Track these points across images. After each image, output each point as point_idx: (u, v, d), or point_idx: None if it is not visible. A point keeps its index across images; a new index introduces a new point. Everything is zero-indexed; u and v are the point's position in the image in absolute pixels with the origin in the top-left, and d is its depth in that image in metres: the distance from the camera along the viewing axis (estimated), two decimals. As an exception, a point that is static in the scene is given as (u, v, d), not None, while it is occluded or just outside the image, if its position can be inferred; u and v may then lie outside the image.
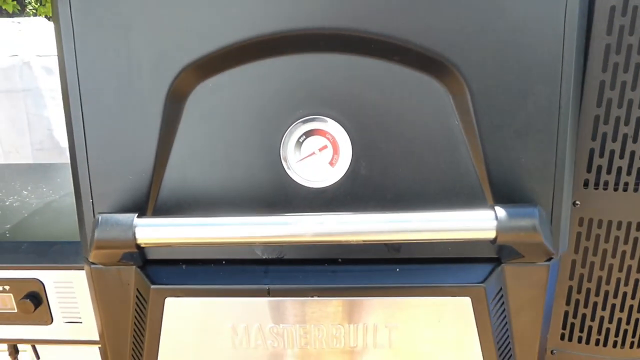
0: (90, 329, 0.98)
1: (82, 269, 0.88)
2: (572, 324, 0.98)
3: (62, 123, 0.77)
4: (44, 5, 7.71)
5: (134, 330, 0.86)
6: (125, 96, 0.78)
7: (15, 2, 7.04)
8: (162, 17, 0.76)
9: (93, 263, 0.83)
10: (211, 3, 0.75)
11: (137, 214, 0.77)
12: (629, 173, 0.87)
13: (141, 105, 0.78)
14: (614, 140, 0.86)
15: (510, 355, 0.86)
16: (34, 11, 8.31)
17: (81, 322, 0.99)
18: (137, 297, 0.84)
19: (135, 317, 0.85)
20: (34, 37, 3.44)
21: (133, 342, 0.86)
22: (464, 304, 0.82)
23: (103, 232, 0.77)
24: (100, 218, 0.78)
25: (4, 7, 6.88)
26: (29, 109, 3.17)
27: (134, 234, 0.76)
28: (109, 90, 0.78)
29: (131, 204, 0.81)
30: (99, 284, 0.84)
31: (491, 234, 0.74)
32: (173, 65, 0.77)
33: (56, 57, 0.81)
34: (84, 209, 0.82)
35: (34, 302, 0.97)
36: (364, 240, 0.74)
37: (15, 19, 3.74)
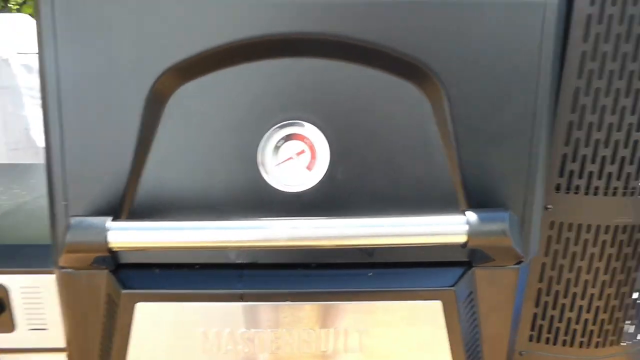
0: (56, 336, 0.95)
1: (50, 273, 0.86)
2: (541, 326, 1.00)
3: (39, 122, 0.75)
4: (27, 4, 7.47)
5: (103, 336, 0.84)
6: (105, 97, 0.77)
7: (1, 2, 6.81)
8: (144, 20, 0.75)
9: (63, 267, 0.81)
10: (193, 7, 0.74)
11: (110, 218, 0.76)
12: (599, 177, 0.89)
13: (121, 106, 0.77)
14: (587, 145, 0.88)
15: (479, 358, 0.87)
16: (18, 7, 8.05)
17: (47, 329, 0.96)
18: (107, 302, 0.82)
19: (105, 322, 0.83)
20: (14, 34, 3.32)
21: (101, 349, 0.85)
22: (435, 307, 0.83)
23: (75, 235, 0.75)
24: (72, 221, 0.76)
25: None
26: (6, 108, 3.07)
27: (106, 237, 0.75)
28: (89, 90, 0.77)
29: (106, 207, 0.80)
30: (69, 289, 0.82)
31: (462, 239, 0.75)
32: (154, 67, 0.75)
33: (36, 55, 0.79)
34: (56, 211, 0.80)
35: (-4, 308, 0.93)
36: (337, 245, 0.75)
37: (-4, 15, 3.62)
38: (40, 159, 0.77)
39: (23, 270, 0.92)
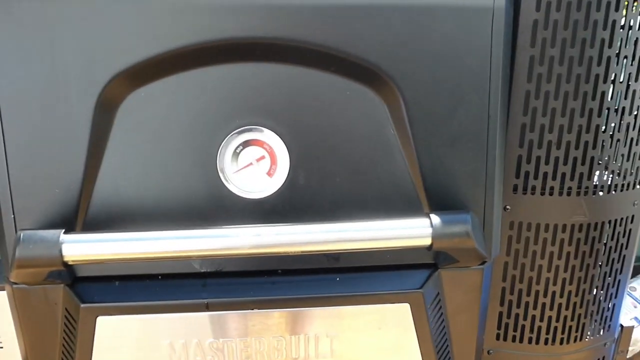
0: (12, 353, 0.91)
1: (2, 289, 0.82)
2: (507, 324, 1.02)
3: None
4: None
5: (63, 352, 0.81)
6: (50, 105, 0.74)
7: None
8: (90, 23, 0.73)
9: (15, 283, 0.78)
10: (142, 9, 0.73)
11: (64, 230, 0.73)
12: (554, 178, 0.92)
13: (68, 114, 0.74)
14: (540, 147, 0.90)
15: (449, 358, 0.88)
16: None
17: (2, 347, 0.92)
18: (65, 317, 0.79)
19: (64, 338, 0.80)
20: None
21: (60, 366, 0.81)
22: (403, 310, 0.83)
23: (25, 250, 0.72)
24: (22, 235, 0.73)
25: None
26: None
27: (60, 250, 0.72)
28: (32, 98, 0.74)
29: (58, 219, 0.77)
30: (23, 305, 0.79)
31: (427, 242, 0.76)
32: (102, 73, 0.73)
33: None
34: (4, 225, 0.77)
35: (-53, 328, 0.89)
36: (301, 251, 0.74)
37: None
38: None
39: (-29, 286, 0.88)
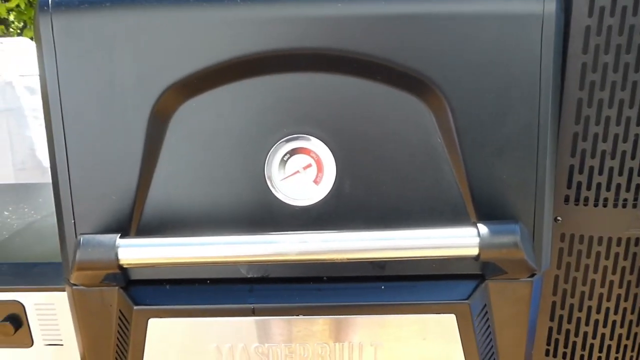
0: (71, 351, 0.96)
1: (63, 290, 0.87)
2: (557, 340, 0.99)
3: (44, 142, 0.77)
4: (28, 28, 7.71)
5: (117, 352, 0.84)
6: (108, 116, 0.78)
7: (2, 27, 7.03)
8: (145, 38, 0.76)
9: (75, 284, 0.82)
10: (194, 23, 0.76)
11: (119, 235, 0.77)
12: (608, 189, 0.89)
13: (124, 125, 0.78)
14: (593, 156, 0.88)
15: (496, 372, 0.86)
16: (18, 31, 8.29)
17: (62, 345, 0.97)
18: (119, 318, 0.83)
19: (118, 338, 0.84)
20: (16, 57, 3.43)
21: (115, 365, 0.85)
22: (449, 320, 0.82)
23: (85, 253, 0.76)
24: (82, 239, 0.77)
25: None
26: (12, 129, 3.15)
27: (116, 254, 0.75)
28: (92, 110, 0.78)
29: (114, 224, 0.81)
30: (81, 306, 0.83)
31: (474, 251, 0.75)
32: (156, 85, 0.77)
33: (38, 77, 0.81)
34: (65, 229, 0.81)
35: (14, 324, 0.95)
36: (347, 259, 0.74)
37: (-2, 40, 3.74)
38: (46, 178, 0.79)
39: (37, 287, 0.94)
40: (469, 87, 0.78)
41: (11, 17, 7.89)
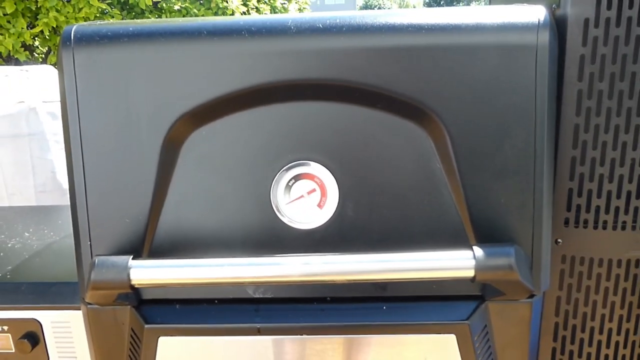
0: (86, 368, 1.00)
1: (79, 309, 0.91)
2: (561, 361, 0.99)
3: (64, 166, 0.82)
4: (52, 54, 7.97)
5: (128, 369, 0.88)
6: (124, 144, 0.83)
7: (27, 52, 7.29)
8: (158, 71, 0.81)
9: (90, 303, 0.86)
10: (204, 57, 0.81)
11: (132, 256, 0.81)
12: (607, 212, 0.91)
13: (139, 152, 0.83)
14: (591, 180, 0.90)
15: (497, 393, 0.87)
16: (43, 56, 8.57)
17: (77, 362, 1.01)
18: (131, 336, 0.86)
19: (130, 356, 0.87)
20: (40, 83, 3.56)
21: (126, 381, 0.88)
22: (450, 341, 0.84)
23: (99, 274, 0.80)
24: (97, 260, 0.81)
25: (16, 56, 7.12)
26: (34, 153, 3.25)
27: (128, 275, 0.79)
28: (109, 137, 0.83)
29: (128, 246, 0.85)
30: (95, 324, 0.87)
31: (470, 273, 0.77)
32: (169, 115, 0.82)
33: (60, 104, 0.86)
34: (82, 250, 0.85)
35: (31, 342, 0.99)
36: (347, 280, 0.77)
37: (24, 67, 3.88)
38: (66, 200, 0.84)
39: (54, 306, 0.98)
40: (466, 115, 0.81)
41: (36, 43, 8.17)
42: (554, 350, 0.99)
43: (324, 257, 0.78)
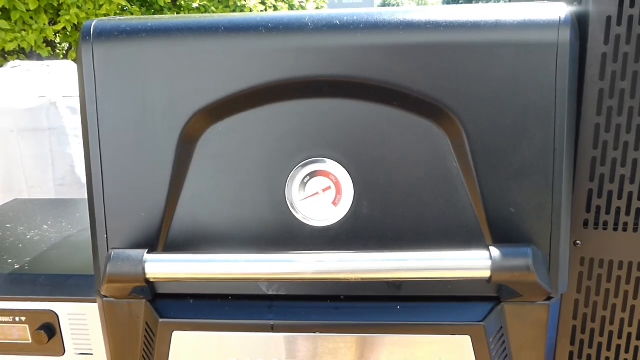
0: (100, 361, 1.01)
1: (95, 301, 0.92)
2: (578, 365, 0.98)
3: (83, 160, 0.83)
4: (73, 50, 8.08)
5: (142, 362, 0.89)
6: (140, 138, 0.83)
7: (49, 48, 7.40)
8: (175, 66, 0.82)
9: (105, 296, 0.87)
10: (222, 53, 0.81)
11: (147, 250, 0.81)
12: (627, 213, 0.89)
13: (155, 147, 0.83)
14: (612, 181, 0.88)
15: (512, 395, 0.86)
16: (64, 52, 8.70)
17: (92, 354, 1.02)
18: (146, 330, 0.87)
19: (144, 349, 0.88)
20: (61, 78, 3.62)
21: (140, 374, 0.89)
22: (465, 342, 0.83)
23: (115, 267, 0.81)
24: (112, 253, 0.82)
25: (38, 52, 7.23)
26: (53, 147, 3.31)
27: (143, 269, 0.80)
28: (126, 132, 0.84)
29: (143, 240, 0.85)
30: (110, 317, 0.88)
31: (486, 274, 0.76)
32: (185, 110, 0.82)
33: (79, 98, 0.87)
34: (98, 244, 0.86)
35: (48, 333, 1.00)
36: (361, 278, 0.77)
37: (45, 62, 3.94)
38: (84, 194, 0.85)
39: (70, 298, 0.99)
40: (484, 113, 0.80)
41: (57, 39, 8.29)
42: (571, 354, 0.97)
43: (338, 255, 0.78)
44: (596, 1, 0.82)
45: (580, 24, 0.82)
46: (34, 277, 1.05)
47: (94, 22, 0.85)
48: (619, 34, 0.82)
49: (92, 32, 0.83)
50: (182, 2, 9.17)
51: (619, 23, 0.82)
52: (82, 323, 1.01)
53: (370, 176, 0.83)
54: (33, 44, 6.97)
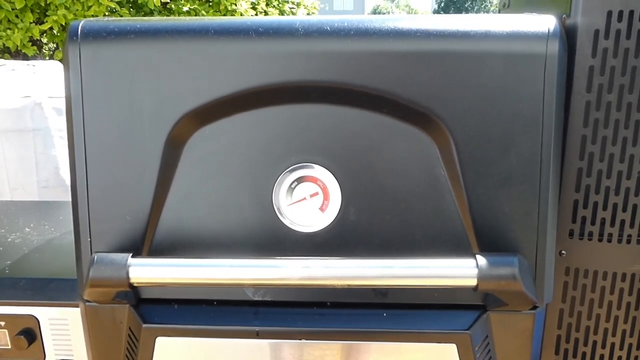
0: (82, 368, 0.99)
1: (77, 306, 0.90)
2: (562, 374, 0.98)
3: (68, 162, 0.82)
4: (60, 50, 8.01)
5: (124, 368, 0.87)
6: (127, 141, 0.82)
7: (35, 48, 7.32)
8: (163, 69, 0.81)
9: (88, 301, 0.85)
10: (210, 56, 0.80)
11: (131, 254, 0.80)
12: (612, 224, 0.90)
13: (141, 149, 0.82)
14: (597, 192, 0.89)
15: (497, 405, 0.86)
16: (51, 52, 8.61)
17: (73, 360, 1.00)
18: (129, 335, 0.85)
19: (127, 355, 0.86)
20: (47, 79, 3.58)
21: (122, 381, 0.87)
22: (450, 350, 0.83)
23: (98, 271, 0.79)
24: (96, 257, 0.81)
25: (23, 51, 7.15)
26: (38, 148, 3.26)
27: (127, 273, 0.79)
28: (112, 134, 0.83)
29: (128, 244, 0.84)
30: (93, 322, 0.86)
31: (472, 282, 0.76)
32: (172, 113, 0.81)
33: (65, 99, 0.86)
34: (81, 247, 0.85)
35: (28, 338, 0.98)
36: (347, 285, 0.77)
37: (30, 62, 3.90)
38: (68, 196, 0.83)
39: (51, 302, 0.97)
40: (472, 122, 0.80)
41: (44, 39, 8.21)
42: (555, 363, 0.98)
43: (324, 261, 0.78)
44: (584, 15, 0.83)
45: (568, 36, 0.83)
46: (15, 281, 1.03)
47: (82, 22, 0.84)
48: (606, 47, 0.83)
49: (79, 32, 0.82)
50: (173, 6, 9.14)
51: (606, 37, 0.83)
52: (63, 328, 0.99)
53: (358, 183, 0.83)
54: (18, 43, 6.89)
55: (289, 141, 0.83)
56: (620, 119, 0.85)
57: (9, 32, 6.79)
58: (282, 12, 11.64)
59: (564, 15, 0.87)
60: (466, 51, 0.79)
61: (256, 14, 10.52)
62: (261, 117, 0.82)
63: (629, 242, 0.90)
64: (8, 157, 3.31)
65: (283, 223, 0.83)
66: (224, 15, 9.44)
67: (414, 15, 0.88)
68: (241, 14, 9.75)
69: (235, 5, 9.68)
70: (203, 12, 9.31)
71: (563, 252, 0.92)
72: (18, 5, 6.69)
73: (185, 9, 9.16)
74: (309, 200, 0.83)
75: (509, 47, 0.79)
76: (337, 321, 0.84)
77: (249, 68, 0.80)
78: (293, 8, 12.15)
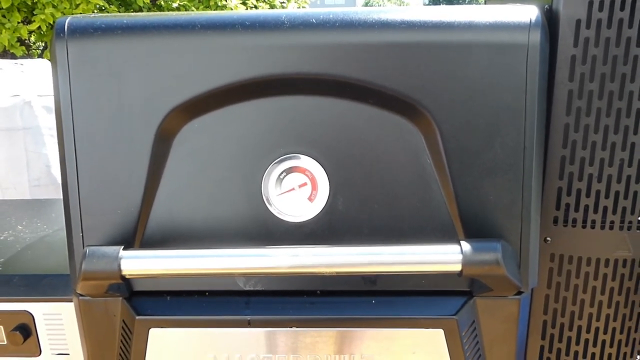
0: (77, 361, 1.00)
1: (71, 301, 0.91)
2: (548, 358, 1.00)
3: (59, 159, 0.82)
4: (49, 49, 7.95)
5: (119, 360, 0.88)
6: (116, 135, 0.83)
7: (23, 47, 7.26)
8: (151, 64, 0.82)
9: (81, 295, 0.86)
10: (197, 50, 0.81)
11: (123, 247, 0.81)
12: (595, 211, 0.91)
13: (131, 144, 0.83)
14: (580, 179, 0.91)
15: (485, 388, 0.88)
16: (39, 52, 8.54)
17: (69, 354, 1.01)
18: (122, 328, 0.86)
19: (121, 347, 0.87)
20: (35, 77, 3.56)
21: (117, 372, 0.88)
22: (438, 336, 0.84)
23: (90, 264, 0.80)
24: (87, 250, 0.82)
25: (12, 51, 7.09)
26: (28, 147, 3.25)
27: (119, 265, 0.80)
28: (101, 130, 0.83)
29: (120, 237, 0.85)
30: (87, 316, 0.87)
31: (457, 267, 0.78)
32: (161, 107, 0.82)
33: (54, 97, 0.86)
34: (74, 242, 0.85)
35: (23, 333, 0.99)
36: (335, 272, 0.78)
37: (19, 61, 3.88)
38: (60, 194, 0.84)
39: (45, 298, 0.98)
40: (457, 111, 0.82)
41: (32, 39, 8.14)
42: (542, 348, 1.00)
43: (313, 249, 0.79)
44: (566, 4, 0.85)
45: (550, 26, 0.85)
46: (8, 278, 1.04)
47: (68, 19, 0.84)
48: (588, 36, 0.84)
49: (66, 29, 0.83)
50: (162, 2, 9.10)
51: (588, 26, 0.84)
52: (57, 323, 1.00)
53: (346, 172, 0.84)
54: (6, 43, 6.83)
55: (278, 133, 0.84)
56: (602, 107, 0.87)
57: (-4, 32, 6.74)
58: (272, 6, 11.61)
59: (547, 6, 0.88)
60: (449, 42, 0.80)
61: (247, 9, 10.48)
62: (249, 109, 0.83)
63: (611, 228, 0.92)
64: (-2, 156, 3.30)
65: (272, 213, 0.84)
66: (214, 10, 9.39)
67: (401, 7, 0.90)
68: (231, 9, 9.71)
69: (225, 0, 9.65)
70: (193, 8, 9.27)
71: (548, 239, 0.94)
72: (4, 5, 6.63)
73: (174, 5, 9.12)
74: (297, 190, 0.84)
75: (492, 37, 0.81)
76: (328, 309, 0.86)
77: (236, 61, 0.81)
78: (284, 2, 12.11)
